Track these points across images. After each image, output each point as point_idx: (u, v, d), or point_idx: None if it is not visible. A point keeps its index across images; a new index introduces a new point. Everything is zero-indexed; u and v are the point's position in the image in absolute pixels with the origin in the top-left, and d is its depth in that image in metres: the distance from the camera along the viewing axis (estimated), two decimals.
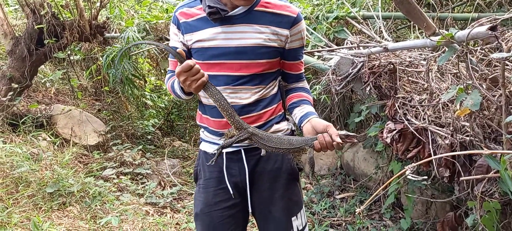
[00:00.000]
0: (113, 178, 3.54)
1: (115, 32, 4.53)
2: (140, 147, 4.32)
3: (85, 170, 3.59)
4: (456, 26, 2.93)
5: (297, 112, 1.48)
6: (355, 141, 1.33)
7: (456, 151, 1.93)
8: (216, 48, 1.40)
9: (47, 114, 4.09)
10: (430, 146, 2.05)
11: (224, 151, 1.50)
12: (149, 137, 4.81)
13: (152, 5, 4.71)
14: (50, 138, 3.85)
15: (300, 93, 1.53)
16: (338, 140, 1.27)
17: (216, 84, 1.38)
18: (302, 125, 1.43)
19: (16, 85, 3.85)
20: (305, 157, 4.20)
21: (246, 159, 1.49)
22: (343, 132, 1.30)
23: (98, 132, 4.19)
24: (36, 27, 3.87)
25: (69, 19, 4.19)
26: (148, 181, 3.70)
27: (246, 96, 1.43)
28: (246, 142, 1.41)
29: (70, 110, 4.21)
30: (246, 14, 1.40)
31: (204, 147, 1.59)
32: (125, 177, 3.58)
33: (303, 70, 1.59)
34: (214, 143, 1.54)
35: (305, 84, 1.58)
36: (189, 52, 1.48)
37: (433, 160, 2.00)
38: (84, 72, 5.10)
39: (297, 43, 1.48)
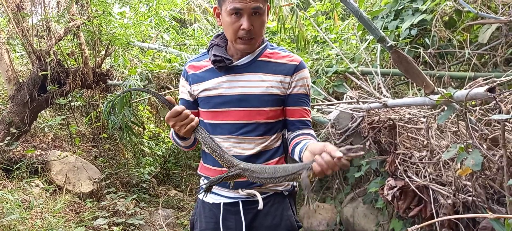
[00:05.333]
0: (105, 228, 3.41)
1: (118, 80, 4.60)
2: (135, 196, 4.21)
3: (77, 219, 3.47)
4: (453, 84, 2.99)
5: (297, 150, 1.38)
6: (361, 153, 1.16)
7: (459, 211, 1.89)
8: (220, 96, 1.42)
9: (42, 160, 4.03)
10: (432, 205, 2.00)
11: (222, 201, 1.48)
12: (144, 185, 4.71)
13: (155, 54, 4.83)
14: (43, 185, 3.76)
15: (302, 136, 1.43)
16: (338, 154, 1.14)
17: (221, 133, 1.40)
18: (301, 156, 1.33)
19: (14, 130, 3.83)
20: (302, 212, 4.10)
21: (243, 212, 1.46)
22: (344, 147, 1.18)
23: (92, 179, 4.11)
24: (40, 73, 3.93)
25: (73, 67, 4.26)
26: None
27: (249, 146, 1.42)
28: (245, 189, 1.37)
29: (66, 156, 4.16)
30: (250, 63, 1.44)
31: (203, 196, 1.56)
32: (117, 228, 3.46)
33: (309, 119, 1.49)
34: (213, 193, 1.52)
35: (310, 131, 1.48)
36: (196, 102, 1.51)
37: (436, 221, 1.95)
38: (84, 118, 5.11)
39: (299, 89, 1.46)
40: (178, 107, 1.31)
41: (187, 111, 1.32)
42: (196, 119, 1.35)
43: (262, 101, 1.41)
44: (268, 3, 1.43)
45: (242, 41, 1.37)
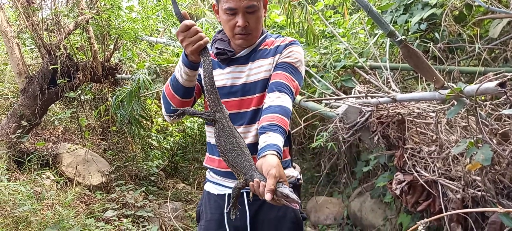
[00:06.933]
0: (115, 220, 3.46)
1: (126, 74, 4.63)
2: (143, 188, 4.26)
3: (87, 210, 3.52)
4: (462, 79, 2.96)
5: (261, 142, 1.25)
6: (295, 206, 1.09)
7: (468, 206, 1.89)
8: (224, 87, 1.46)
9: (53, 153, 4.09)
10: (441, 200, 2.00)
11: (227, 192, 1.50)
12: (152, 178, 4.76)
13: (163, 49, 4.85)
14: (54, 177, 3.82)
15: (272, 116, 1.28)
16: (267, 197, 1.08)
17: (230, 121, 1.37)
18: (258, 158, 1.21)
19: (25, 123, 3.88)
20: (310, 206, 4.11)
21: (248, 203, 1.47)
22: (285, 190, 1.08)
23: (102, 172, 4.17)
24: (50, 67, 3.97)
25: (82, 61, 4.30)
26: (149, 225, 3.61)
27: (254, 133, 1.43)
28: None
29: (76, 149, 4.21)
30: (251, 54, 1.48)
31: (208, 187, 1.59)
32: (126, 220, 3.51)
33: (287, 84, 1.38)
34: (219, 184, 1.54)
35: (282, 100, 1.32)
36: (202, 89, 1.50)
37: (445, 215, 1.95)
38: (93, 111, 5.16)
39: (284, 58, 1.44)
40: (188, 22, 1.26)
41: (197, 28, 1.27)
42: (206, 38, 1.29)
43: (263, 87, 1.44)
44: None
45: (239, 36, 1.41)
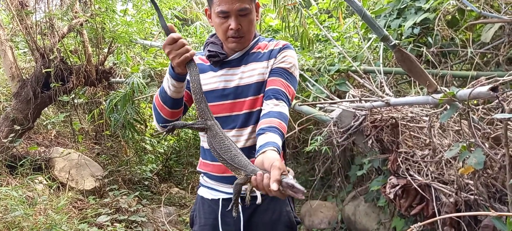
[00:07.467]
0: (108, 225, 3.43)
1: (120, 78, 4.61)
2: (137, 193, 4.24)
3: (80, 215, 3.49)
4: (455, 83, 2.99)
5: (260, 141, 1.26)
6: (301, 196, 1.06)
7: (461, 210, 1.90)
8: (216, 90, 1.46)
9: (45, 157, 4.05)
10: (434, 204, 2.01)
11: (221, 197, 1.49)
12: (146, 182, 4.73)
13: (158, 52, 4.84)
14: (47, 182, 3.78)
15: (271, 119, 1.30)
16: (273, 187, 1.05)
17: (223, 127, 1.37)
18: (256, 156, 1.21)
19: (18, 127, 3.85)
20: (304, 210, 4.11)
21: (242, 208, 1.46)
22: (290, 181, 1.06)
23: (95, 176, 4.13)
24: (44, 71, 3.94)
25: (76, 64, 4.28)
26: (142, 230, 3.59)
27: (246, 137, 1.44)
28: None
29: (69, 153, 4.18)
30: (243, 57, 1.49)
31: (202, 192, 1.58)
32: (119, 225, 3.48)
33: (284, 90, 1.40)
34: (212, 189, 1.53)
35: (281, 107, 1.35)
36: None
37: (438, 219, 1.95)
38: (86, 115, 5.13)
39: (280, 64, 1.45)
40: (175, 34, 1.28)
41: (184, 41, 1.29)
42: (192, 51, 1.31)
43: (256, 90, 1.44)
44: (256, 1, 1.46)
45: (232, 40, 1.42)
